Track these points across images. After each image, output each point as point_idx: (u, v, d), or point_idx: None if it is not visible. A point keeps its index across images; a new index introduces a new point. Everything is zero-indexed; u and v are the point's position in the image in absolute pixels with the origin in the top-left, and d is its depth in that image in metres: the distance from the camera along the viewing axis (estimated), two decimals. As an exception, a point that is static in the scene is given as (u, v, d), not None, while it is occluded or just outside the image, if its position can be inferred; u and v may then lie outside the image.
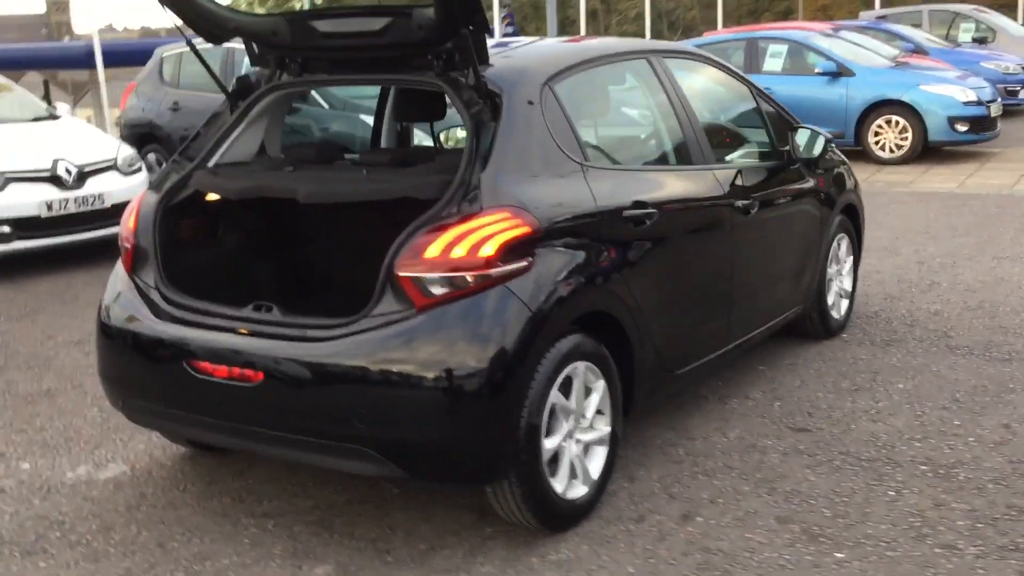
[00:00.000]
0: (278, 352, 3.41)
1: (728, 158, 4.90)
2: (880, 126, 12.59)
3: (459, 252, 3.27)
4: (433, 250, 3.28)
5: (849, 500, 3.80)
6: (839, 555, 3.42)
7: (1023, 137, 14.37)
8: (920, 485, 3.90)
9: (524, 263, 3.35)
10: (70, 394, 5.30)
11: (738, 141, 5.19)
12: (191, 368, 3.55)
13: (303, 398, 3.37)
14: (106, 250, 8.79)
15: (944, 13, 20.36)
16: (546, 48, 4.36)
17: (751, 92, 5.21)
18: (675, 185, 4.28)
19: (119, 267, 4.02)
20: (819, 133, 5.15)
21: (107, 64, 17.97)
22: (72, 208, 8.27)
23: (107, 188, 8.49)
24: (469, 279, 3.26)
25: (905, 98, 12.46)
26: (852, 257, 5.98)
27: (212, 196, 4.13)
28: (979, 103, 12.49)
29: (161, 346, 3.67)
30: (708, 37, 15.53)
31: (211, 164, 4.11)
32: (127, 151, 9.02)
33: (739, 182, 4.61)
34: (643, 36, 33.99)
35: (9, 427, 4.87)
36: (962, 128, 12.40)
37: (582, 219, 3.63)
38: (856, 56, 13.31)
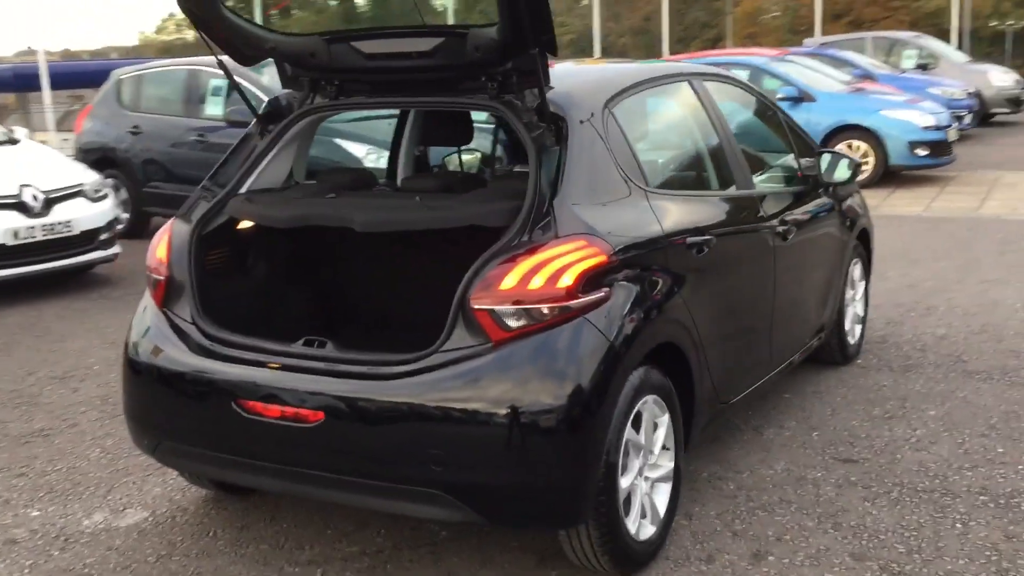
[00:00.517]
0: (341, 390, 3.20)
1: (759, 181, 4.81)
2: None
3: (537, 283, 3.10)
4: (509, 281, 3.11)
5: (919, 534, 3.69)
6: (926, 593, 3.30)
7: (973, 161, 14.63)
8: (985, 517, 3.81)
9: (601, 293, 3.19)
10: (66, 434, 4.99)
11: (766, 164, 5.11)
12: (240, 408, 3.31)
13: (369, 439, 3.16)
14: (74, 280, 8.47)
15: (885, 40, 20.82)
16: (595, 71, 4.23)
17: (778, 115, 5.13)
18: (726, 210, 4.18)
19: (148, 301, 3.76)
20: (844, 157, 5.09)
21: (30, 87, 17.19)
22: (39, 236, 7.91)
23: (75, 215, 8.15)
24: (548, 311, 3.09)
25: (867, 123, 12.62)
26: (864, 281, 5.93)
27: (244, 224, 3.91)
28: (937, 128, 12.69)
29: (204, 385, 3.43)
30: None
31: (243, 191, 3.89)
32: (93, 176, 8.67)
33: (777, 207, 4.52)
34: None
35: (8, 471, 4.55)
36: (922, 152, 12.59)
37: (650, 246, 3.49)
38: (814, 81, 13.45)
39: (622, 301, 3.26)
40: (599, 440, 3.14)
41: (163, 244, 3.74)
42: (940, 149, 12.75)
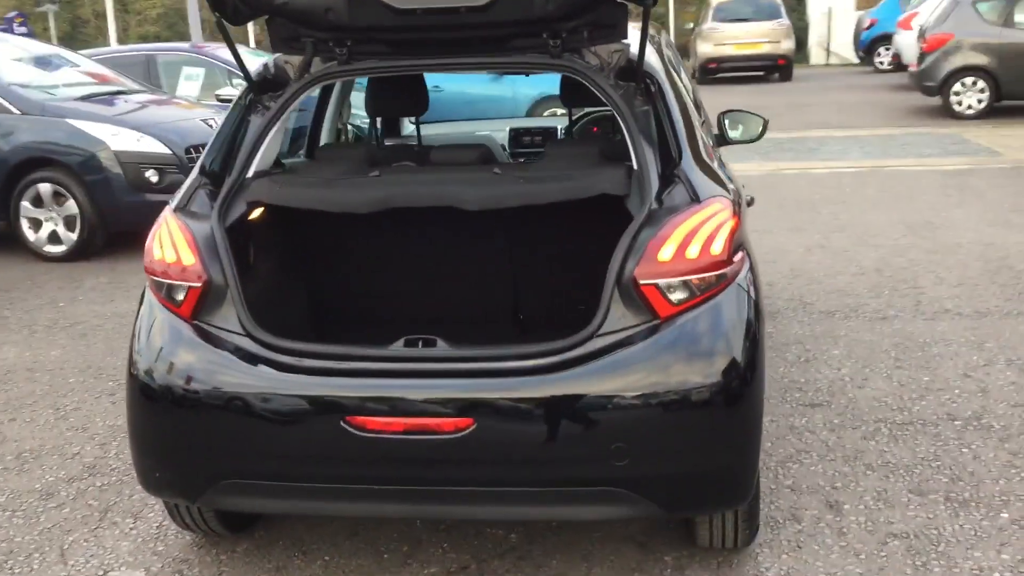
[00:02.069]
0: (490, 392, 2.80)
1: None
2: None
3: (693, 252, 2.90)
4: (667, 252, 2.88)
5: (943, 463, 3.93)
6: (1005, 515, 3.53)
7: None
8: (975, 439, 4.13)
9: (742, 255, 3.06)
10: (-67, 495, 3.96)
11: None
12: (351, 427, 2.80)
13: (534, 443, 2.80)
14: None
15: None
16: None
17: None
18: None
19: (161, 315, 3.05)
20: None
21: None
22: None
23: None
24: (709, 280, 2.90)
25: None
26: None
27: (254, 214, 3.31)
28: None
29: (296, 406, 2.86)
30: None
31: (249, 174, 3.28)
32: None
33: None
34: (165, 37, 32.56)
35: None
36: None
37: (739, 203, 3.40)
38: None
39: (751, 261, 3.17)
40: (762, 408, 3.02)
41: (184, 244, 3.06)
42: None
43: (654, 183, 3.05)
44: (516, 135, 5.75)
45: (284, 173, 3.47)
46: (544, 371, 2.80)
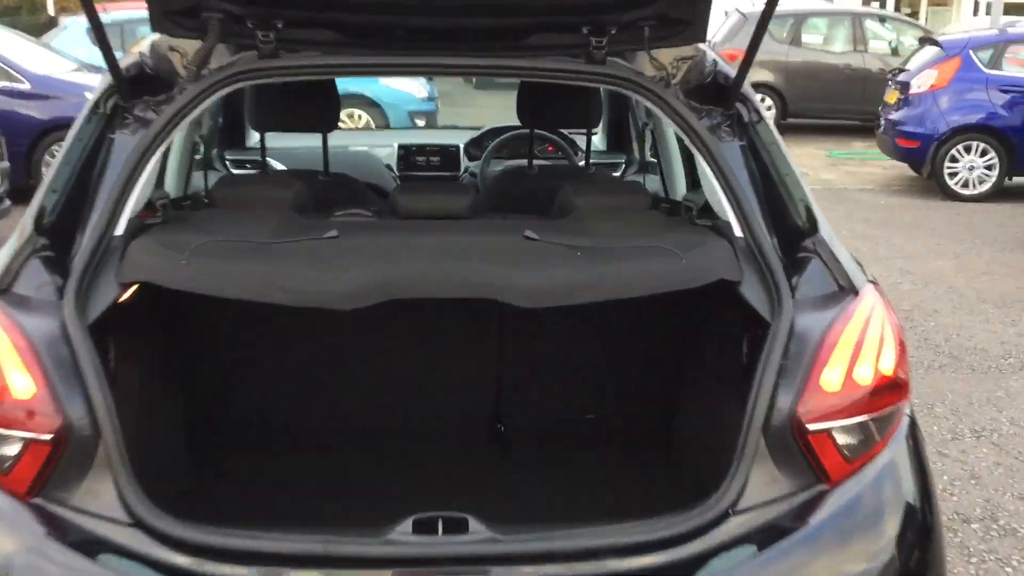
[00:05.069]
0: None
1: None
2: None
3: (864, 374, 2.00)
4: (833, 377, 1.99)
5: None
6: None
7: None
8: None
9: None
10: None
11: None
12: None
13: None
14: None
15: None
16: None
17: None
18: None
19: None
20: None
21: None
22: None
23: None
24: (889, 415, 2.01)
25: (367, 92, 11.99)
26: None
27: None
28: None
29: None
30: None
31: (119, 230, 2.11)
32: None
33: None
34: None
35: None
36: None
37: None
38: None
39: None
40: None
41: (15, 359, 1.90)
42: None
43: (776, 262, 2.12)
44: (407, 154, 4.61)
45: (175, 225, 2.33)
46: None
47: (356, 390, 2.80)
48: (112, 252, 2.11)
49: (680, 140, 3.50)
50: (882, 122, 11.22)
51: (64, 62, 10.41)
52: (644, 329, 2.76)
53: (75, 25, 13.44)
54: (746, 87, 2.43)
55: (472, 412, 2.87)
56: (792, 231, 2.25)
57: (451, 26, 2.35)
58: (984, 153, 10.33)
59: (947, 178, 10.41)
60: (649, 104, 2.37)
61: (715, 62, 2.54)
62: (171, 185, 3.25)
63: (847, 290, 2.11)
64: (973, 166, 10.36)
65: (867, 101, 13.36)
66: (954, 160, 10.40)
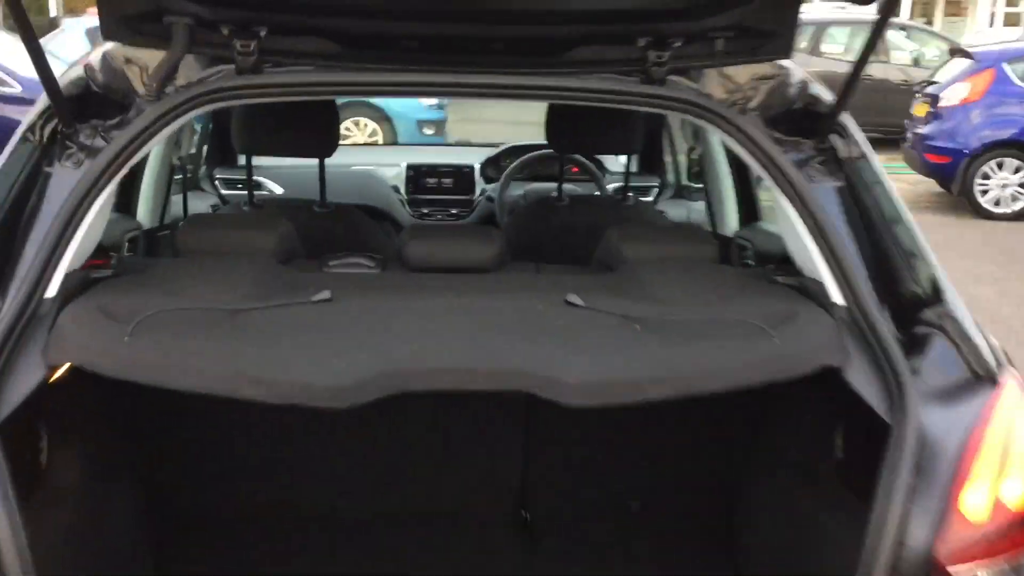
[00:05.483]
0: None
1: None
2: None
3: (1015, 493, 1.55)
4: (976, 500, 1.52)
5: None
6: None
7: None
8: None
9: None
10: None
11: None
12: None
13: None
14: None
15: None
16: None
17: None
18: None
19: None
20: None
21: None
22: None
23: None
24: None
25: (374, 100, 11.55)
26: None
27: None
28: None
29: None
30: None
31: (51, 292, 1.69)
32: None
33: None
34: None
35: None
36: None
37: None
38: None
39: None
40: None
41: None
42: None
43: (892, 341, 1.68)
44: (416, 175, 4.17)
45: (127, 281, 1.92)
46: None
47: (359, 471, 2.37)
48: (40, 320, 1.69)
49: (733, 165, 3.10)
50: (909, 136, 10.81)
51: (59, 65, 9.96)
52: (701, 404, 2.33)
53: (74, 26, 13.07)
54: (845, 115, 2.01)
55: (494, 496, 2.44)
56: (907, 299, 1.82)
57: (472, 35, 1.93)
58: (1018, 170, 9.92)
59: (978, 195, 9.99)
60: (722, 134, 1.95)
61: (804, 83, 2.12)
62: (144, 214, 2.83)
63: (984, 379, 1.68)
64: (1006, 184, 9.94)
65: (889, 113, 12.92)
66: (986, 177, 9.98)
